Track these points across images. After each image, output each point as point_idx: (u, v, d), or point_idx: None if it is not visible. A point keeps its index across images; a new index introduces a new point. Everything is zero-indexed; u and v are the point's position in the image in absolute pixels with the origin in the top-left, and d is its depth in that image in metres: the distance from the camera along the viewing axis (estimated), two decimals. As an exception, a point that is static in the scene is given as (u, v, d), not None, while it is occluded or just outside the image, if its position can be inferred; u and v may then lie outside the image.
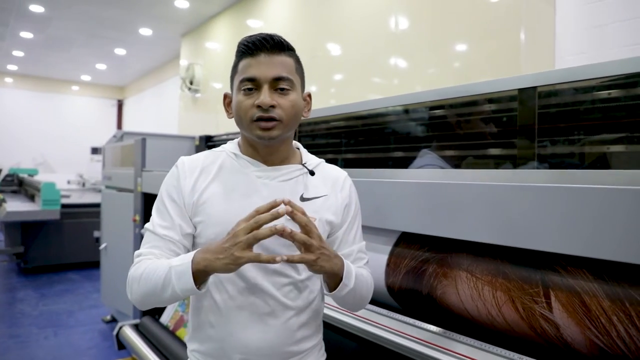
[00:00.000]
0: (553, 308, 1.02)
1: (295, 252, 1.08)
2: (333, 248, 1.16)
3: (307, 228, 0.93)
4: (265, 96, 1.02)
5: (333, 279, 1.02)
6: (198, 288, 0.94)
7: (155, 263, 1.01)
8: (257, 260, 0.89)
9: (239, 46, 1.08)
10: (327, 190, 1.14)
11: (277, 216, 0.90)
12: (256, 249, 1.05)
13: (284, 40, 1.08)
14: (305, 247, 0.93)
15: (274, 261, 0.89)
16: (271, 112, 1.03)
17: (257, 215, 0.91)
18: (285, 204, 0.91)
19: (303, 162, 1.16)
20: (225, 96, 1.16)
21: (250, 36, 1.07)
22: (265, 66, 1.04)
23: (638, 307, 0.90)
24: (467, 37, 3.50)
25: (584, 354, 1.01)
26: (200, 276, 0.94)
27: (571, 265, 1.02)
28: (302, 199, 1.10)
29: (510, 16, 3.17)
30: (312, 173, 1.14)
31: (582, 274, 1.00)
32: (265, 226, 0.90)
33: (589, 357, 1.01)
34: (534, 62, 3.15)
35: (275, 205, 0.92)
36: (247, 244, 0.89)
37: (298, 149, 1.21)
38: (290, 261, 0.92)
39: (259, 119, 1.03)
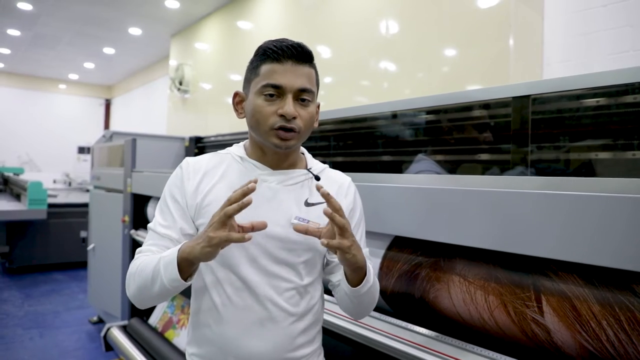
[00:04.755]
0: (544, 312, 1.04)
1: (297, 258, 1.09)
2: (337, 254, 1.17)
3: (340, 212, 0.92)
4: (289, 107, 1.02)
5: (358, 274, 1.01)
6: (184, 279, 0.93)
7: (150, 257, 1.01)
8: (228, 238, 0.87)
9: (264, 50, 1.05)
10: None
11: (248, 191, 0.88)
12: (257, 252, 1.05)
13: (310, 50, 1.08)
14: (341, 231, 0.92)
15: (243, 240, 0.87)
16: (292, 123, 1.03)
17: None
18: (255, 182, 0.90)
19: (308, 167, 1.16)
20: (236, 94, 1.14)
21: (277, 41, 1.05)
22: (292, 75, 1.03)
23: (627, 312, 0.92)
24: (457, 43, 3.54)
25: (574, 358, 1.03)
26: (185, 266, 0.93)
27: (562, 270, 1.05)
28: (307, 204, 1.10)
29: (500, 23, 3.21)
30: (317, 178, 1.14)
31: (573, 279, 1.02)
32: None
33: (579, 361, 1.03)
34: (522, 69, 3.19)
35: (247, 189, 0.89)
36: (219, 223, 0.88)
37: (303, 154, 1.21)
38: (329, 246, 0.91)
39: (280, 129, 1.03)
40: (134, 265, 1.04)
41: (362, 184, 1.45)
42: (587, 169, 1.46)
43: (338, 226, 0.92)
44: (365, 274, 1.02)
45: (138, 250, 1.09)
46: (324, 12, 4.86)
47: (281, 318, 1.07)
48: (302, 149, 1.22)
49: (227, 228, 0.88)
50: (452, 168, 1.85)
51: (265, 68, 1.05)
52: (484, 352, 1.19)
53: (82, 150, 11.85)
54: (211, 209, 1.06)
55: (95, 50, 10.06)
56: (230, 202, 0.89)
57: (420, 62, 3.81)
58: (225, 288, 1.06)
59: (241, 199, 0.88)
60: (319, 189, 0.92)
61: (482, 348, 1.21)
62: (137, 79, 12.21)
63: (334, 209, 0.91)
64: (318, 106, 1.14)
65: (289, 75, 1.03)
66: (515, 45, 3.15)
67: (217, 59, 7.06)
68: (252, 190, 0.89)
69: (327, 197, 0.91)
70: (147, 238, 1.10)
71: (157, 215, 1.12)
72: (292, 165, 1.14)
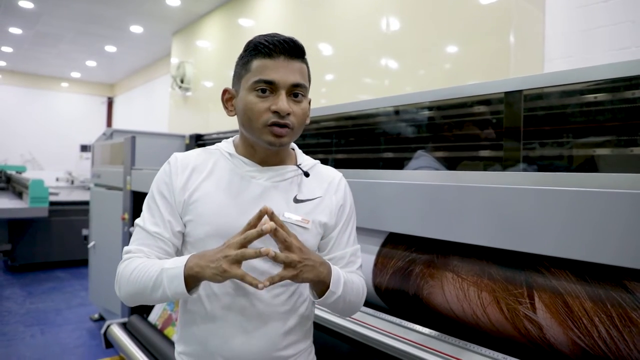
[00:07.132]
0: (537, 309, 1.04)
1: None
2: (326, 250, 1.14)
3: (286, 244, 0.93)
4: (283, 103, 1.00)
5: (319, 287, 1.01)
6: (189, 293, 0.94)
7: (147, 263, 1.00)
8: (242, 279, 0.89)
9: (255, 45, 1.03)
10: (322, 192, 1.13)
11: (263, 233, 0.89)
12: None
13: (302, 45, 1.05)
14: (286, 265, 0.93)
15: (256, 286, 0.89)
16: (286, 119, 1.01)
17: (247, 231, 0.91)
18: (269, 214, 0.91)
19: (298, 163, 1.14)
20: (226, 91, 1.11)
21: (268, 36, 1.03)
22: (285, 71, 1.01)
23: (619, 308, 0.91)
24: (458, 39, 3.52)
25: (567, 354, 1.02)
26: (191, 281, 0.94)
27: (554, 266, 1.04)
28: (296, 201, 1.09)
29: (500, 19, 3.20)
30: (306, 175, 1.12)
31: (565, 275, 1.01)
32: (254, 243, 0.91)
33: (572, 358, 1.02)
34: (522, 64, 3.18)
35: (262, 215, 0.91)
36: (234, 260, 0.89)
37: (293, 149, 1.19)
38: (272, 282, 0.91)
39: (274, 124, 1.00)
40: (126, 268, 1.02)
41: (357, 180, 1.45)
42: (589, 165, 1.44)
43: (281, 263, 0.93)
44: (328, 287, 1.01)
45: (126, 249, 1.06)
46: (325, 9, 4.85)
47: (269, 316, 1.06)
48: (293, 145, 1.20)
49: (241, 265, 0.91)
50: (449, 165, 1.84)
51: (256, 64, 1.02)
52: (478, 349, 1.19)
53: (84, 148, 11.88)
54: (198, 206, 1.05)
55: (97, 48, 10.07)
56: (247, 240, 0.90)
57: (421, 58, 3.79)
58: (214, 288, 1.05)
59: (257, 236, 0.90)
60: (269, 214, 0.91)
61: (475, 345, 1.20)
62: (138, 77, 12.21)
63: (281, 241, 0.92)
64: (309, 102, 1.12)
65: (281, 70, 1.01)
66: (516, 41, 3.13)
67: (218, 57, 7.05)
68: (268, 231, 0.89)
69: (274, 231, 0.91)
70: (136, 236, 1.08)
71: (145, 213, 1.09)
72: (282, 162, 1.12)
